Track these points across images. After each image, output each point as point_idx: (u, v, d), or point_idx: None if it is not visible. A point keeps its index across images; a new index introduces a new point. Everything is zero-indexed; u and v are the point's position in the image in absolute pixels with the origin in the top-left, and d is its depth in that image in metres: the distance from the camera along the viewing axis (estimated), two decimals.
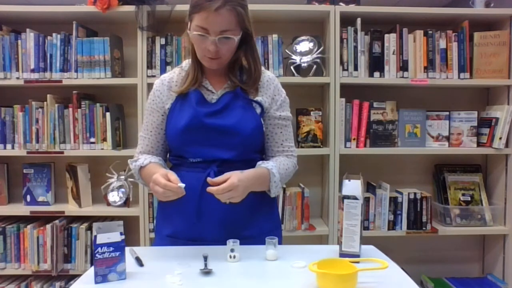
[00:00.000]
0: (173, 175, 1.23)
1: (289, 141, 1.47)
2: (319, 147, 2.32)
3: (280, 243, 1.48)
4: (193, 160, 1.37)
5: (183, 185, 1.20)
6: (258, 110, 1.39)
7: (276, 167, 1.37)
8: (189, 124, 1.33)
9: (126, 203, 2.34)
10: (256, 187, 1.34)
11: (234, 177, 1.22)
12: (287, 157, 1.45)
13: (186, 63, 1.46)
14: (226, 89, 1.39)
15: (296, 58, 2.28)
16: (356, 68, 2.27)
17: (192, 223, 1.35)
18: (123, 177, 2.33)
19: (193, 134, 1.34)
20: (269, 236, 1.25)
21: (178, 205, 1.35)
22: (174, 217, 1.40)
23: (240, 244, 1.23)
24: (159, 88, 1.43)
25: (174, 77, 1.44)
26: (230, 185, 1.20)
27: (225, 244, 1.23)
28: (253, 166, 1.38)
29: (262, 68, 1.45)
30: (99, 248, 1.06)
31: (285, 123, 1.45)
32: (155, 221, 1.70)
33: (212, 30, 1.26)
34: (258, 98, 1.39)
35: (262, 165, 1.37)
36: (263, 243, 1.26)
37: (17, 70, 2.27)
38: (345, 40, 2.27)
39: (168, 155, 1.50)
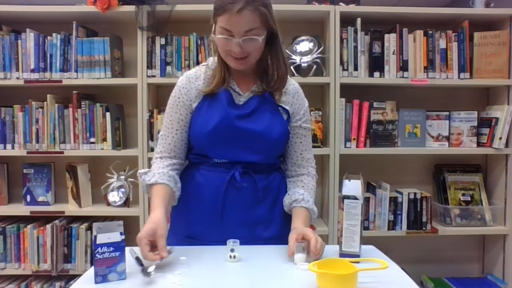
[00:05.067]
0: (161, 240, 1.14)
1: (308, 152, 1.46)
2: (319, 147, 2.31)
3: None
4: (217, 160, 1.36)
5: (166, 256, 1.13)
6: (285, 117, 1.39)
7: (312, 201, 1.40)
8: (219, 125, 1.31)
9: (126, 203, 2.34)
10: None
11: (307, 232, 1.24)
12: (308, 174, 1.46)
13: (212, 61, 1.41)
14: (252, 92, 1.37)
15: (296, 58, 2.28)
16: (356, 68, 2.27)
17: (215, 223, 1.34)
18: (123, 177, 2.33)
19: (221, 135, 1.32)
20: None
21: (199, 205, 1.35)
22: (195, 218, 1.37)
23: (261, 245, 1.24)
24: (185, 86, 1.38)
25: (201, 75, 1.39)
26: (316, 239, 1.22)
27: (247, 244, 1.24)
28: (274, 170, 1.42)
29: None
30: (99, 248, 1.05)
31: (305, 133, 1.44)
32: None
33: (236, 32, 1.24)
34: (285, 106, 1.39)
35: (300, 203, 1.37)
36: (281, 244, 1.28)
37: (17, 70, 2.27)
38: (345, 40, 2.27)
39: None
